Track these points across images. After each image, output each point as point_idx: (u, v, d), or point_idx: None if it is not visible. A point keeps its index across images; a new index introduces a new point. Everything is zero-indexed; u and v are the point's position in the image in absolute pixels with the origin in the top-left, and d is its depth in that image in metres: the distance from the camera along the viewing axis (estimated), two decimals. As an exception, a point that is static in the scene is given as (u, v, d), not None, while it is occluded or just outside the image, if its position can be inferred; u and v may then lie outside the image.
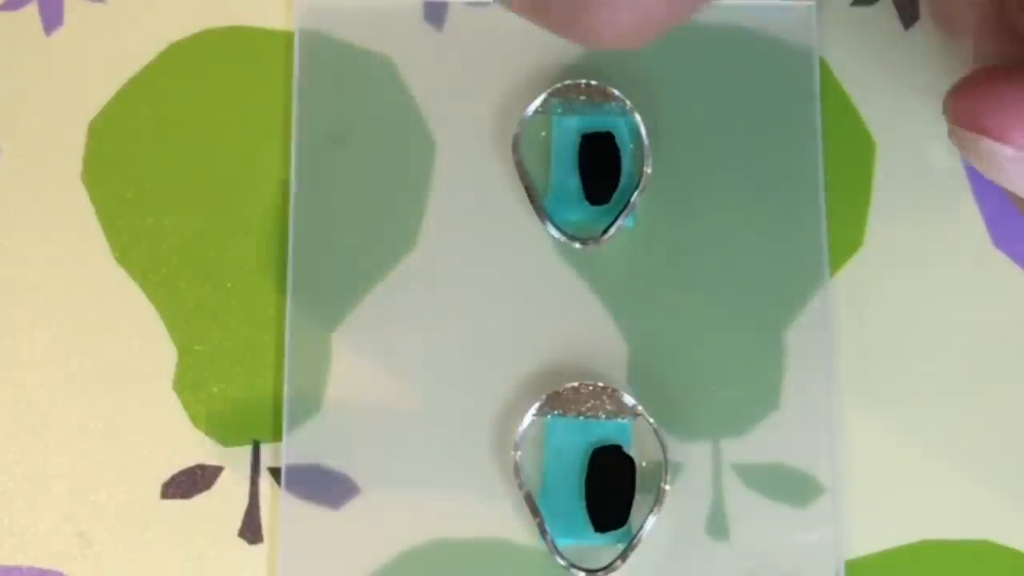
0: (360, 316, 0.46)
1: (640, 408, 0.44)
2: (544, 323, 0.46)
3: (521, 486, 0.44)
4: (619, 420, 0.45)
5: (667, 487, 0.44)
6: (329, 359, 0.46)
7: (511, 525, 0.45)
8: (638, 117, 0.46)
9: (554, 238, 0.46)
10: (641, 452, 0.45)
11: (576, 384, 0.45)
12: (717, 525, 0.45)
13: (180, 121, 0.48)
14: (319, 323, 0.46)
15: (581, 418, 0.45)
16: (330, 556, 0.44)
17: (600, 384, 0.45)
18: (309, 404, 0.46)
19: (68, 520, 0.45)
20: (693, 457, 0.45)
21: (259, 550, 0.45)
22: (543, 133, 0.47)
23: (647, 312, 0.47)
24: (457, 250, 0.47)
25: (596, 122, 0.47)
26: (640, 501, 0.44)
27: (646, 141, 0.46)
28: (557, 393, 0.44)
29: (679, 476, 0.45)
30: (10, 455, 0.46)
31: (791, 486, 0.45)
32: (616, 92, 0.46)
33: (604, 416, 0.44)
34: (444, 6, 0.48)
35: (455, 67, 0.48)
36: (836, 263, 0.47)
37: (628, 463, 0.44)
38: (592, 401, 0.44)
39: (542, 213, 0.46)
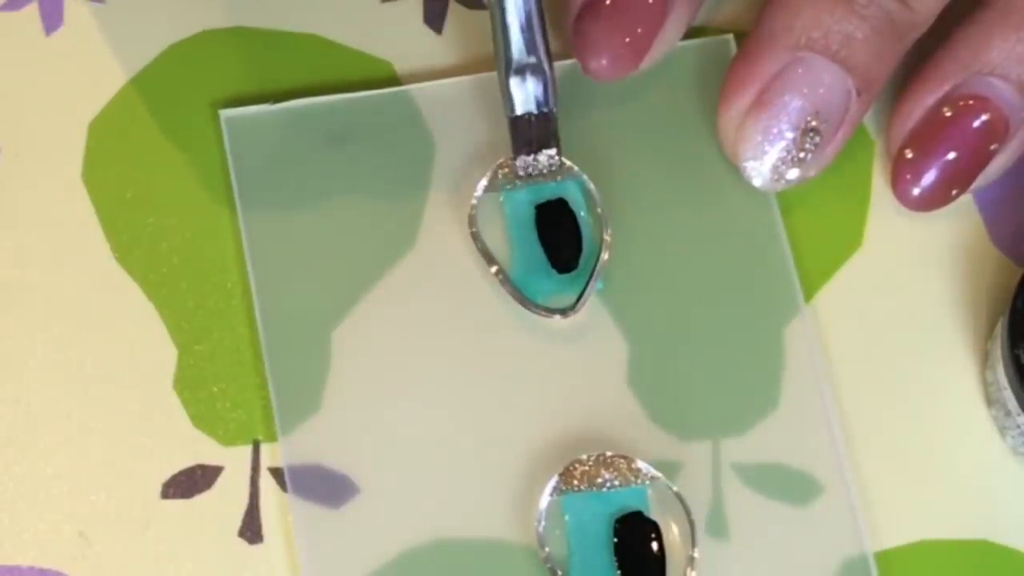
0: (360, 316, 0.46)
1: (656, 473, 0.44)
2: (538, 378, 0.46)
3: (547, 560, 0.44)
4: (635, 486, 0.44)
5: (697, 555, 0.44)
6: (329, 359, 0.46)
7: (511, 525, 0.45)
8: (586, 178, 0.47)
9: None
10: (661, 515, 0.44)
11: (588, 456, 0.44)
12: (717, 525, 0.45)
13: (180, 121, 0.48)
14: (319, 323, 0.46)
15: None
16: (330, 556, 0.44)
17: (609, 453, 0.44)
18: (309, 403, 0.46)
19: (68, 520, 0.45)
20: (693, 457, 0.45)
21: (259, 550, 0.45)
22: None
23: (647, 313, 0.47)
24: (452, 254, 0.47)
25: (546, 190, 0.47)
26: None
27: (598, 199, 0.47)
28: (569, 468, 0.44)
29: (679, 476, 0.45)
30: (10, 455, 0.46)
31: (791, 486, 0.45)
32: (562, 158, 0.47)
33: (620, 484, 0.44)
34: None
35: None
36: (836, 263, 0.47)
37: (653, 528, 0.44)
38: (606, 472, 0.44)
39: (516, 294, 0.46)
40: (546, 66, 0.46)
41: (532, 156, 0.46)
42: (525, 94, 0.46)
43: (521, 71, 0.45)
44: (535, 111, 0.46)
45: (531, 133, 0.46)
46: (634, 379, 0.46)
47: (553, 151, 0.46)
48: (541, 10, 0.45)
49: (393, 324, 0.46)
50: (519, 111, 0.46)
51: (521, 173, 0.47)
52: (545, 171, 0.47)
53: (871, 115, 0.48)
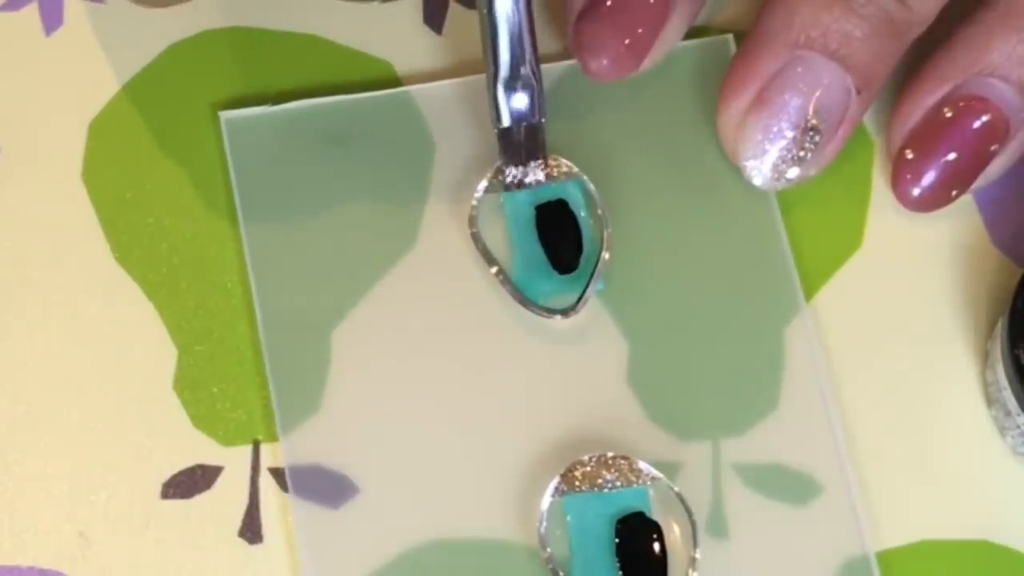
0: (360, 316, 0.46)
1: (658, 473, 0.44)
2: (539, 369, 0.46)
3: (548, 561, 0.44)
4: (636, 487, 0.44)
5: (698, 555, 0.44)
6: (329, 359, 0.46)
7: (511, 525, 0.45)
8: (586, 178, 0.47)
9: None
10: (663, 516, 0.44)
11: (589, 457, 0.44)
12: (717, 525, 0.45)
13: (180, 121, 0.48)
14: (319, 323, 0.46)
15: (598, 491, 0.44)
16: (330, 556, 0.44)
17: (610, 454, 0.44)
18: (309, 403, 0.46)
19: (68, 520, 0.45)
20: (693, 457, 0.45)
21: (259, 550, 0.45)
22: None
23: (647, 313, 0.47)
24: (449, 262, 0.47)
25: (546, 191, 0.47)
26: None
27: (598, 199, 0.47)
28: (571, 468, 0.44)
29: (679, 476, 0.45)
30: (10, 455, 0.46)
31: (791, 486, 0.45)
32: (562, 159, 0.47)
33: (621, 485, 0.44)
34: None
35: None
36: (836, 263, 0.47)
37: (655, 529, 0.44)
38: (607, 472, 0.44)
39: (517, 294, 0.46)
40: (534, 79, 0.46)
41: (520, 168, 0.47)
42: (514, 106, 0.46)
43: (510, 84, 0.46)
44: (524, 123, 0.46)
45: (520, 145, 0.46)
46: (634, 379, 0.46)
47: (541, 162, 0.46)
48: (532, 22, 0.45)
49: (393, 324, 0.46)
50: (507, 124, 0.46)
51: (509, 182, 0.47)
52: (533, 183, 0.47)
53: (871, 115, 0.48)
